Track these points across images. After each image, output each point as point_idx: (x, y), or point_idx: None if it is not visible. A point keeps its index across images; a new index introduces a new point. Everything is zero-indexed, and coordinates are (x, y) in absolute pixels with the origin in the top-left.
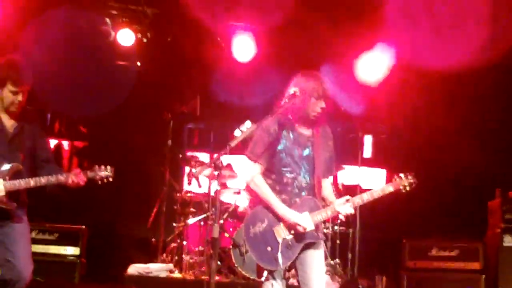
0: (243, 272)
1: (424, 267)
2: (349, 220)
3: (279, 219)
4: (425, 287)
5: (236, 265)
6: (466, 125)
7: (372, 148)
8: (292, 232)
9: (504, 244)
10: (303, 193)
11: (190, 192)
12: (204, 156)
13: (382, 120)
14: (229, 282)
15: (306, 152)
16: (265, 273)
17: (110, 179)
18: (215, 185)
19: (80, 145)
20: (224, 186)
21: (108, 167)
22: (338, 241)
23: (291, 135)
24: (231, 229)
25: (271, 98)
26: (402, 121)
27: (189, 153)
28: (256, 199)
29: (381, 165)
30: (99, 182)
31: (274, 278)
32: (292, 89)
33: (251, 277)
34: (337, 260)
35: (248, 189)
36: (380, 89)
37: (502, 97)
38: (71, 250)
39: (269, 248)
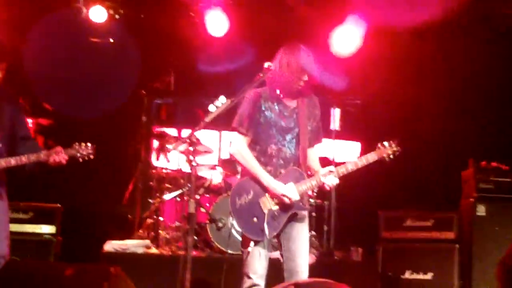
0: (219, 246)
1: (400, 237)
2: (325, 192)
3: (264, 190)
4: (401, 256)
5: (212, 240)
6: (439, 96)
7: (344, 121)
8: (278, 202)
9: (478, 214)
10: (288, 164)
11: (162, 168)
12: (172, 132)
13: (355, 93)
14: (206, 257)
15: (291, 123)
16: (252, 244)
17: (91, 157)
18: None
19: (45, 123)
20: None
21: (89, 144)
22: (313, 214)
23: (276, 107)
24: (207, 204)
25: (245, 72)
26: (375, 93)
27: (157, 129)
28: (242, 171)
29: (356, 138)
30: (80, 160)
31: (257, 247)
32: (276, 62)
33: (228, 251)
34: (313, 233)
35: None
36: (353, 62)
37: (473, 68)
38: (47, 229)
39: (255, 219)
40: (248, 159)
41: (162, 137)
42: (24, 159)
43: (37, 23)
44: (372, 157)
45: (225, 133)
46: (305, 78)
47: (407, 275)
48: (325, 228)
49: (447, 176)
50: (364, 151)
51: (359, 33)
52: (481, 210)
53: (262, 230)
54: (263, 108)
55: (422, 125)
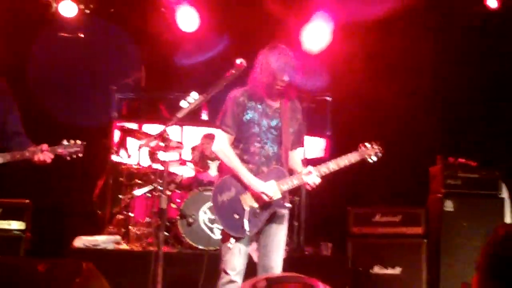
0: (190, 242)
1: (369, 233)
2: (295, 189)
3: (246, 187)
4: (370, 252)
5: (183, 235)
6: (408, 93)
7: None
8: (259, 200)
9: (445, 209)
10: (270, 163)
11: (122, 163)
12: (133, 127)
13: (325, 90)
14: (176, 252)
15: (274, 123)
16: (232, 241)
17: (80, 155)
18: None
19: None
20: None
21: (78, 141)
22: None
23: (259, 106)
24: (178, 200)
25: (217, 67)
26: (345, 90)
27: (118, 124)
28: (224, 169)
29: (322, 135)
30: (68, 158)
31: (236, 244)
32: (258, 62)
33: (198, 247)
34: None
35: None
36: (323, 59)
37: (441, 65)
38: (16, 225)
39: (236, 216)
40: (231, 157)
41: (132, 132)
42: (8, 156)
43: (6, 18)
44: (354, 157)
45: (187, 128)
46: (286, 79)
47: (376, 269)
48: (296, 223)
49: (415, 172)
50: (332, 148)
51: (327, 30)
52: (448, 206)
53: (242, 227)
54: (246, 107)
55: (391, 121)
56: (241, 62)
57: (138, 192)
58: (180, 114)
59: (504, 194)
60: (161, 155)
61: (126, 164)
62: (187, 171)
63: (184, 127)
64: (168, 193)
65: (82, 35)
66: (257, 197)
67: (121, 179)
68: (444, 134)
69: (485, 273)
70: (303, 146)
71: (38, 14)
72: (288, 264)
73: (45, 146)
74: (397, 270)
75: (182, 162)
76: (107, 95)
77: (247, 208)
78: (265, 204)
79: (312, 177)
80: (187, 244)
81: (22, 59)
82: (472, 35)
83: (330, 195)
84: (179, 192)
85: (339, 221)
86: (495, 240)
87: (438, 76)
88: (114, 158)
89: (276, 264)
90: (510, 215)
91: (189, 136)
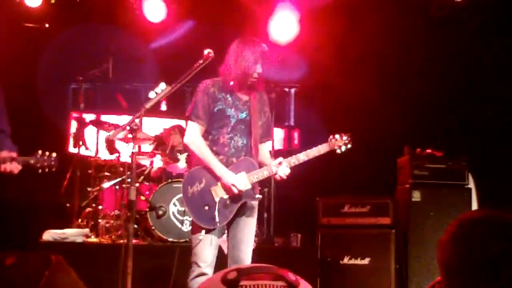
0: (160, 235)
1: (338, 223)
2: (264, 180)
3: (217, 179)
4: (339, 242)
5: (153, 228)
6: (374, 83)
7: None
8: (229, 191)
9: (413, 199)
10: (240, 154)
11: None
12: (90, 117)
13: (291, 80)
14: (146, 245)
15: (243, 115)
16: (203, 232)
17: (53, 169)
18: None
19: None
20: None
21: (53, 155)
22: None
23: (229, 98)
24: (147, 192)
25: (184, 57)
26: (312, 80)
27: (74, 115)
28: (195, 160)
29: (281, 126)
30: (40, 170)
31: (207, 236)
32: (230, 55)
33: (168, 239)
34: None
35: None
36: (291, 49)
37: (408, 55)
38: None
39: (206, 208)
40: (202, 148)
41: (100, 124)
42: None
43: None
44: (324, 148)
45: (146, 119)
46: (259, 70)
47: (346, 260)
48: (265, 215)
49: (383, 163)
50: (301, 138)
51: (294, 20)
52: (416, 196)
53: (213, 219)
54: (216, 98)
55: (359, 111)
56: (208, 53)
57: (106, 184)
58: (148, 105)
59: (471, 184)
60: (121, 146)
61: (89, 156)
62: (155, 163)
63: (143, 118)
64: (137, 185)
65: (47, 25)
66: (227, 188)
67: (89, 171)
68: (411, 125)
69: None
70: (272, 139)
71: (3, 4)
72: (258, 255)
73: (12, 154)
74: (366, 261)
75: (151, 154)
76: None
77: (217, 199)
78: (235, 196)
79: (282, 168)
80: (157, 236)
81: None
82: (439, 26)
83: (299, 186)
84: (148, 184)
85: (308, 212)
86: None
87: (405, 66)
88: (71, 150)
89: (246, 256)
90: (477, 204)
91: (148, 127)
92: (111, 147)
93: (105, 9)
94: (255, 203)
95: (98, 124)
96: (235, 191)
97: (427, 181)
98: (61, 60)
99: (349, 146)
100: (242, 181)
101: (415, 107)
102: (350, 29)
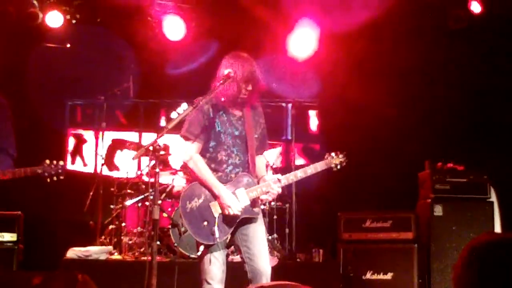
0: (182, 251)
1: (359, 238)
2: (285, 196)
3: (215, 197)
4: (361, 257)
5: (175, 244)
6: (396, 98)
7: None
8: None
9: (435, 214)
10: (238, 170)
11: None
12: (89, 134)
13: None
14: (169, 262)
15: (238, 131)
16: (201, 248)
17: (61, 177)
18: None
19: None
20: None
21: (60, 163)
22: (275, 217)
23: (223, 116)
24: (169, 209)
25: (202, 76)
26: (332, 96)
27: (72, 131)
28: (193, 177)
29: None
30: (48, 179)
31: (212, 252)
32: (221, 72)
33: (191, 255)
34: (275, 235)
35: (186, 167)
36: (310, 65)
37: (428, 70)
38: (8, 237)
39: (205, 223)
40: (200, 167)
41: (123, 144)
42: None
43: None
44: (321, 166)
45: (145, 134)
46: (249, 88)
47: (368, 275)
48: (287, 231)
49: (404, 178)
50: (322, 154)
51: (313, 36)
52: (438, 210)
53: (212, 234)
54: (211, 116)
55: (379, 127)
56: (229, 72)
57: (129, 202)
58: (170, 125)
59: (493, 197)
60: (120, 161)
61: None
62: (178, 180)
63: (143, 133)
64: (159, 202)
65: (68, 45)
66: (223, 209)
67: (112, 189)
68: (432, 139)
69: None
70: (267, 150)
71: (25, 25)
72: (281, 271)
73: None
74: (388, 276)
75: (174, 172)
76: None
77: (216, 215)
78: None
79: (275, 187)
80: (179, 253)
81: (8, 69)
82: (458, 40)
83: (320, 201)
84: (170, 200)
85: (330, 227)
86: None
87: (425, 81)
88: (69, 167)
89: (264, 267)
90: (500, 218)
91: (147, 142)
92: (109, 163)
93: (125, 28)
94: (259, 210)
95: (120, 144)
96: (231, 212)
97: (448, 195)
98: (81, 79)
99: (344, 164)
100: (240, 200)
101: (435, 121)
102: (368, 44)
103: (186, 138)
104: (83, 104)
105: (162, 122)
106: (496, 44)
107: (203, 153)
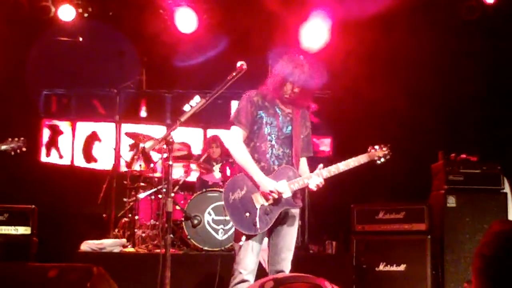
0: (196, 244)
1: (372, 230)
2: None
3: (256, 186)
4: (374, 249)
5: (188, 237)
6: (408, 89)
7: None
8: (269, 198)
9: (448, 205)
10: (281, 162)
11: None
12: (64, 125)
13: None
14: (182, 254)
15: (285, 125)
16: (243, 238)
17: (24, 149)
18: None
19: None
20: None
21: (22, 138)
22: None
23: (272, 108)
24: (182, 202)
25: (216, 68)
26: (345, 88)
27: (47, 122)
28: (237, 166)
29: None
30: (12, 153)
31: (249, 243)
32: (272, 68)
33: (204, 248)
34: None
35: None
36: (322, 57)
37: (440, 61)
38: (22, 230)
39: (247, 214)
40: (243, 154)
41: (136, 136)
42: None
43: (6, 23)
44: (363, 158)
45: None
46: (296, 90)
47: (381, 267)
48: (300, 223)
49: (417, 169)
50: (334, 146)
51: (326, 28)
52: (451, 202)
53: (254, 225)
54: (260, 108)
55: (391, 118)
56: (241, 65)
57: (142, 195)
58: (183, 118)
59: (507, 188)
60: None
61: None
62: (190, 173)
63: (122, 124)
64: (172, 194)
65: (81, 39)
66: (266, 196)
67: (125, 182)
68: (445, 130)
69: (479, 273)
70: (312, 155)
71: (37, 18)
72: (294, 263)
73: None
74: (401, 267)
75: (186, 165)
76: (109, 98)
77: (258, 206)
78: (276, 203)
79: (315, 179)
80: (192, 245)
81: (22, 62)
82: (471, 31)
83: (333, 193)
84: (183, 193)
85: (343, 219)
86: (486, 240)
87: (437, 72)
88: (44, 159)
89: (285, 263)
90: None
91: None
92: (147, 159)
93: (137, 21)
94: (296, 212)
95: (134, 137)
96: (275, 196)
97: (462, 187)
98: (94, 72)
99: (388, 157)
100: (282, 188)
101: (449, 112)
102: (381, 36)
103: (233, 124)
104: (58, 93)
105: (143, 113)
106: (509, 35)
107: (247, 142)
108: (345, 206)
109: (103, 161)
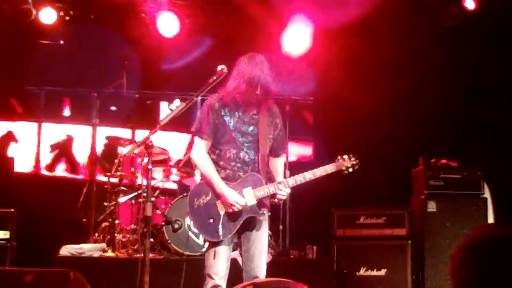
0: (176, 248)
1: (353, 235)
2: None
3: (218, 196)
4: (355, 254)
5: (168, 242)
6: (389, 95)
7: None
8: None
9: (428, 210)
10: (246, 168)
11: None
12: (31, 126)
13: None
14: (163, 259)
15: (250, 128)
16: (206, 244)
17: None
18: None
19: None
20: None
21: None
22: (269, 213)
23: (235, 113)
24: (162, 206)
25: (198, 72)
26: (325, 93)
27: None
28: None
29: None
30: None
31: (217, 248)
32: (235, 71)
33: (184, 253)
34: (269, 232)
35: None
36: (305, 62)
37: (420, 67)
38: (1, 234)
39: (211, 220)
40: (205, 164)
41: (117, 140)
42: None
43: None
44: (331, 168)
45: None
46: (257, 92)
47: (362, 271)
48: (281, 227)
49: (398, 174)
50: (316, 151)
51: (307, 33)
52: (431, 207)
53: (217, 232)
54: (222, 113)
55: (372, 124)
56: (222, 69)
57: (122, 199)
58: (163, 121)
59: (487, 193)
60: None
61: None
62: (171, 177)
63: (42, 123)
64: (152, 199)
65: (62, 42)
66: (227, 205)
67: (105, 186)
68: (425, 136)
69: (455, 281)
70: (285, 153)
71: (18, 22)
72: (274, 268)
73: None
74: (382, 272)
75: (167, 168)
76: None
77: (222, 213)
78: (240, 210)
79: (285, 189)
80: (173, 250)
81: (2, 66)
82: (451, 37)
83: (314, 198)
84: (164, 198)
85: (324, 223)
86: (462, 247)
87: (419, 78)
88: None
89: (260, 269)
90: (493, 214)
91: (47, 133)
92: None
93: (119, 24)
94: (264, 217)
95: (114, 140)
96: (235, 209)
97: (442, 192)
98: (74, 75)
99: (356, 167)
100: (247, 199)
101: (429, 117)
102: (363, 42)
103: (195, 135)
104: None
105: (66, 112)
106: (490, 42)
107: (212, 149)
108: (326, 210)
109: (19, 162)
